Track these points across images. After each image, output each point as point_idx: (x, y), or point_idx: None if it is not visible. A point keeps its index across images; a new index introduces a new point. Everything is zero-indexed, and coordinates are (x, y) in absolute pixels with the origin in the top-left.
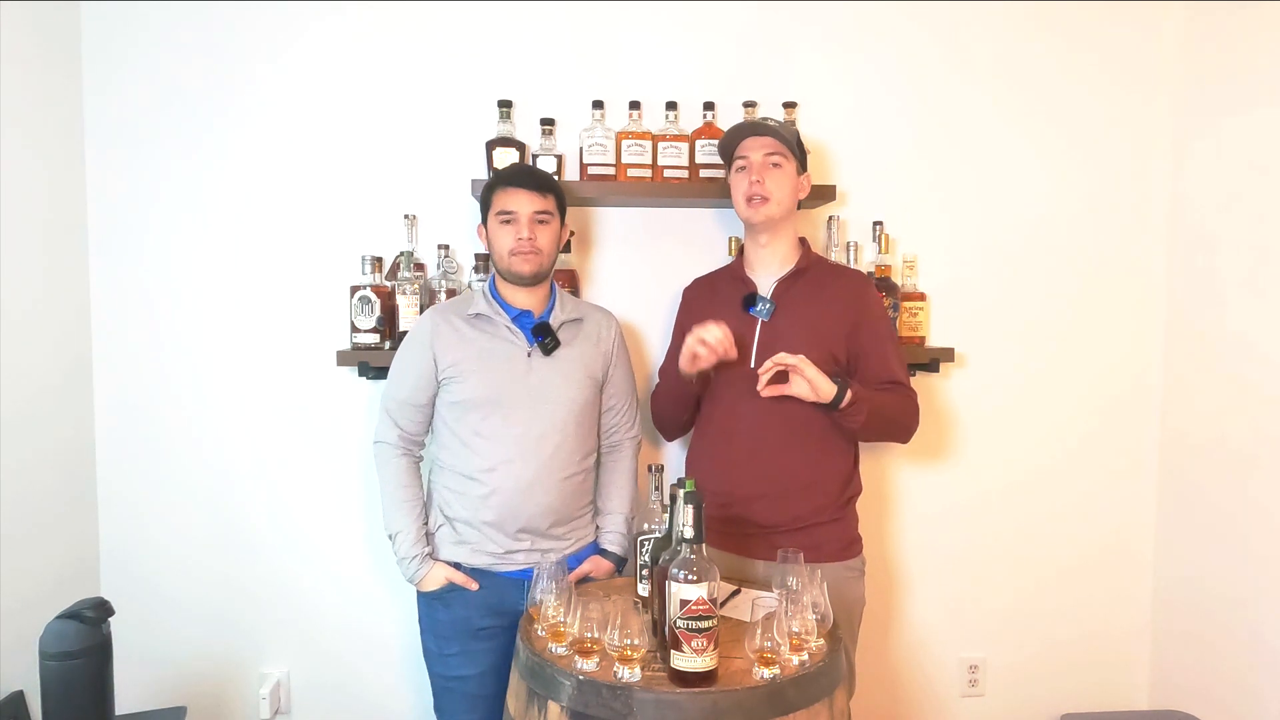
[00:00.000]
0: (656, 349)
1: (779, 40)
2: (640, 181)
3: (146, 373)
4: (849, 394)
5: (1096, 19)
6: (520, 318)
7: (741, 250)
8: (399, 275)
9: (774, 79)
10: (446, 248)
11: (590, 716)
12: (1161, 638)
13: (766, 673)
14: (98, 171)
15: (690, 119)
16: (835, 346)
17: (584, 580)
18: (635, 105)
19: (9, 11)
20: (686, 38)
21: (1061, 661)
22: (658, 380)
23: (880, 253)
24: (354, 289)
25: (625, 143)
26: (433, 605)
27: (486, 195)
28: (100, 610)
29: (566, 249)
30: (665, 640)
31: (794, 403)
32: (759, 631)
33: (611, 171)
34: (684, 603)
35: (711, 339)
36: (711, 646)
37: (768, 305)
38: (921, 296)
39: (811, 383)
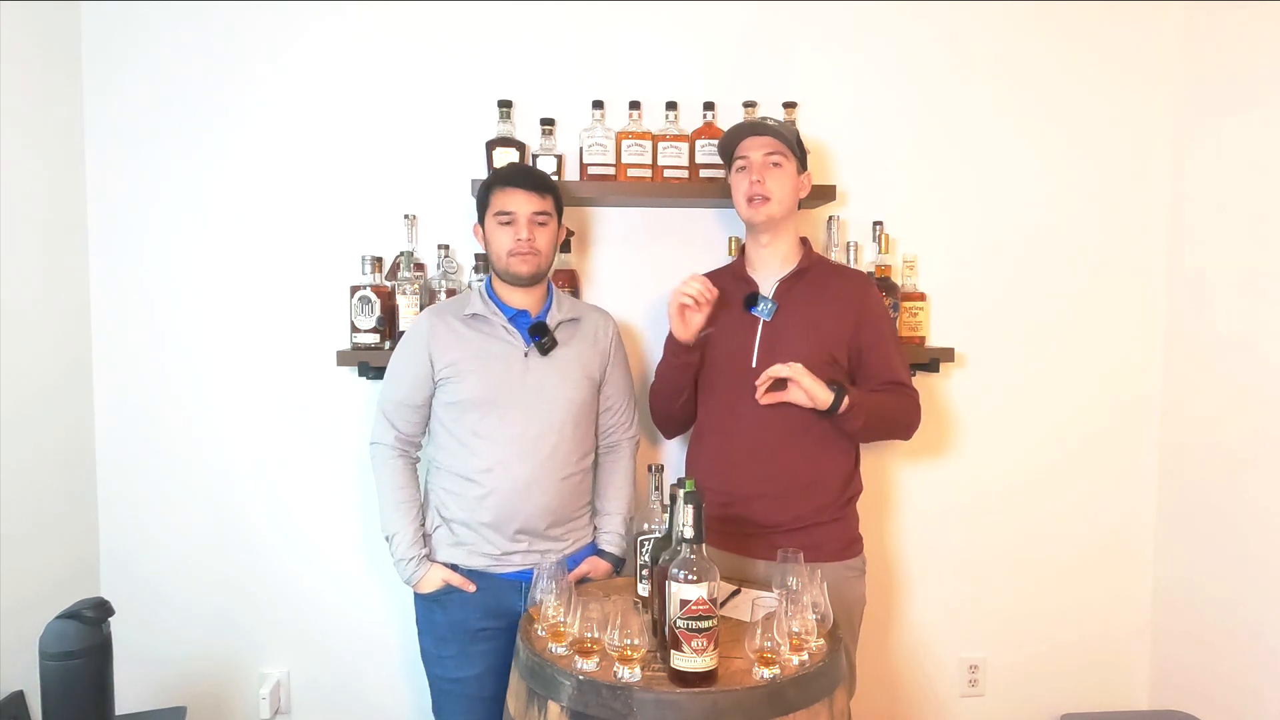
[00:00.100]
0: (656, 349)
1: (779, 40)
2: (640, 181)
3: (146, 373)
4: (845, 400)
5: (1096, 19)
6: (517, 317)
7: (743, 250)
8: (399, 275)
9: (774, 79)
10: (446, 248)
11: (590, 716)
12: (1161, 638)
13: (766, 673)
14: (98, 171)
15: (690, 119)
16: (836, 347)
17: (583, 581)
18: (635, 105)
19: (9, 11)
20: (686, 38)
21: (1061, 661)
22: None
23: (880, 253)
24: (354, 289)
25: (625, 143)
26: (430, 607)
27: (484, 195)
28: (100, 610)
29: (566, 249)
30: (665, 640)
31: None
32: (759, 631)
33: (611, 171)
34: (684, 603)
35: (694, 290)
36: (711, 646)
37: (770, 305)
38: (921, 296)
39: (808, 391)
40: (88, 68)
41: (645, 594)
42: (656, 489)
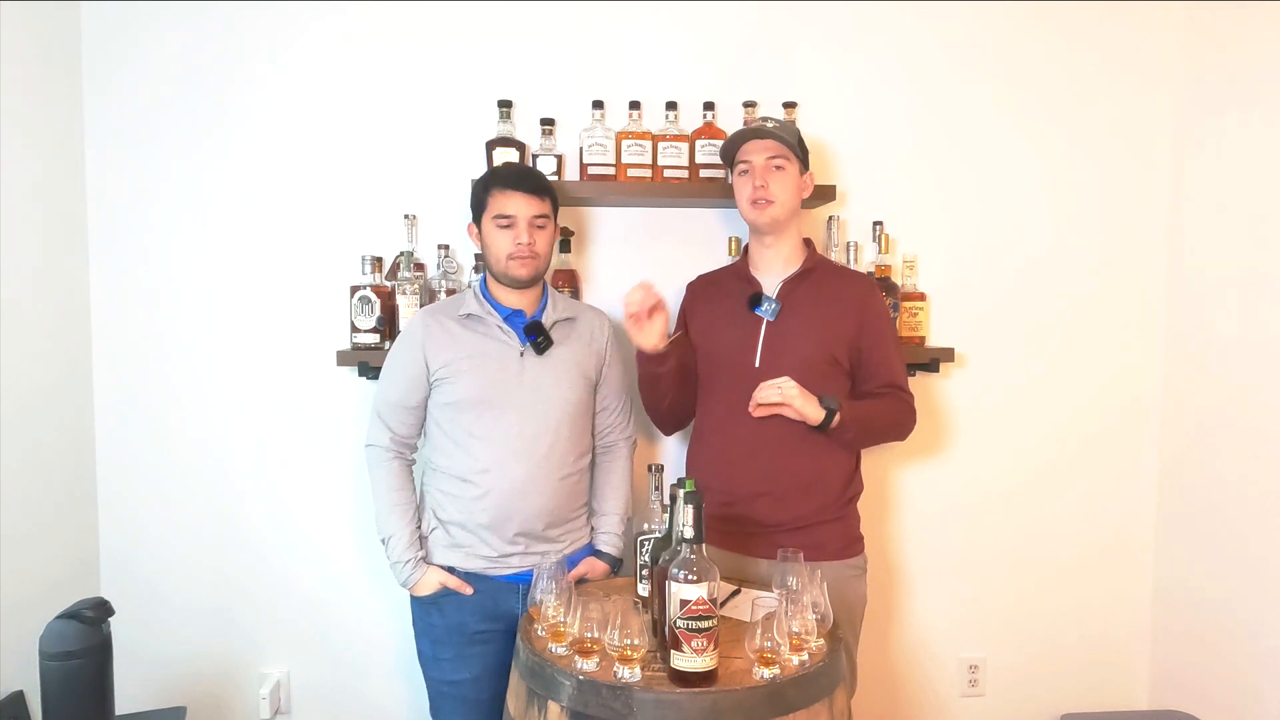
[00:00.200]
0: None
1: (779, 40)
2: (640, 181)
3: (147, 373)
4: (836, 418)
5: (1096, 19)
6: (512, 317)
7: (746, 250)
8: (399, 275)
9: (774, 79)
10: (446, 248)
11: (590, 716)
12: (1161, 638)
13: (766, 673)
14: (98, 171)
15: (690, 119)
16: (838, 348)
17: (581, 581)
18: (635, 105)
19: (9, 11)
20: (686, 38)
21: (1061, 661)
22: None
23: (880, 253)
24: (354, 289)
25: (625, 143)
26: (427, 610)
27: (481, 195)
28: (100, 610)
29: (566, 249)
30: (665, 640)
31: None
32: (759, 631)
33: (611, 171)
34: (684, 603)
35: (633, 303)
36: (711, 646)
37: (773, 305)
38: (921, 296)
39: (799, 412)
40: (88, 68)
41: (645, 594)
42: (656, 489)
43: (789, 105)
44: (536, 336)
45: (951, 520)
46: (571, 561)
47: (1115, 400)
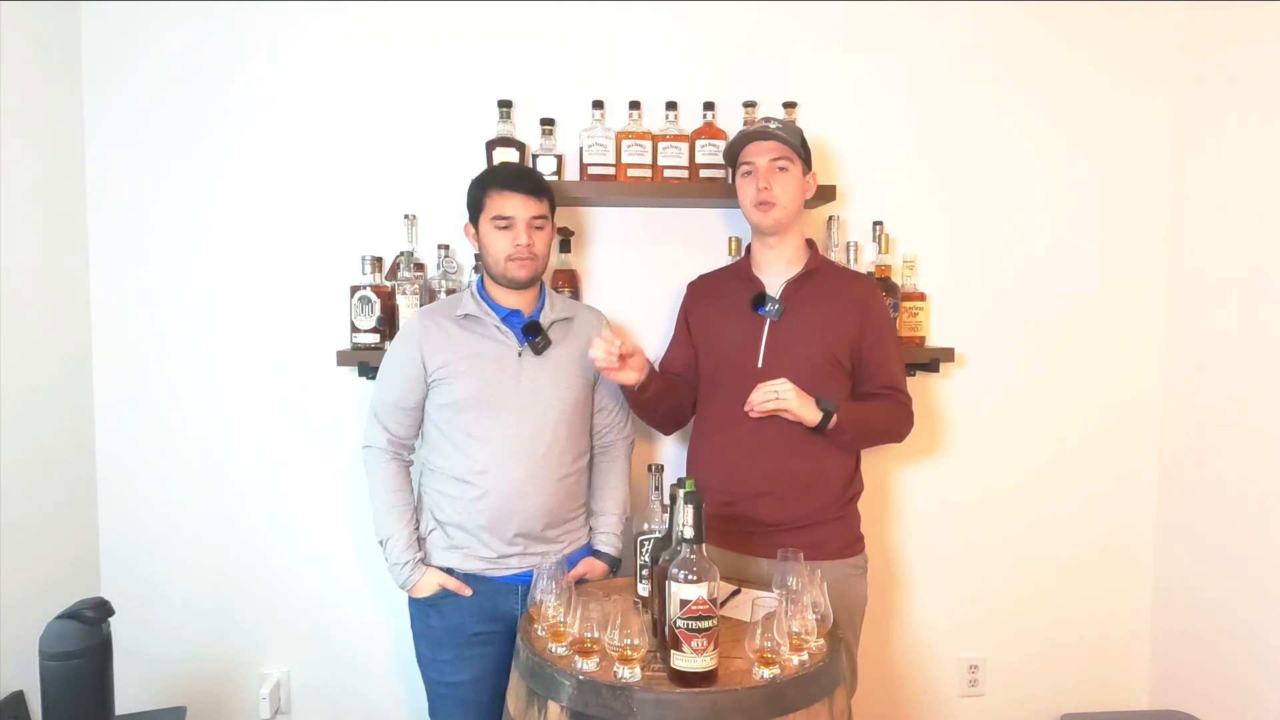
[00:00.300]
0: (656, 349)
1: (779, 40)
2: (640, 181)
3: (147, 373)
4: (834, 420)
5: (1096, 19)
6: (510, 317)
7: (748, 249)
8: (399, 275)
9: (774, 79)
10: (446, 248)
11: (590, 716)
12: (1161, 638)
13: (766, 673)
14: (98, 171)
15: (690, 119)
16: (840, 349)
17: (580, 581)
18: (635, 105)
19: (9, 11)
20: (686, 38)
21: (1061, 661)
22: None
23: (880, 253)
24: (354, 289)
25: (625, 143)
26: (426, 611)
27: (478, 196)
28: (100, 610)
29: (566, 249)
30: (665, 640)
31: None
32: (759, 631)
33: (611, 171)
34: (684, 603)
35: (599, 357)
36: (711, 646)
37: (777, 306)
38: (921, 296)
39: (796, 415)
40: (88, 68)
41: (645, 594)
42: (656, 489)
43: (789, 105)
44: (535, 336)
45: (951, 520)
46: (570, 562)
47: (1115, 400)
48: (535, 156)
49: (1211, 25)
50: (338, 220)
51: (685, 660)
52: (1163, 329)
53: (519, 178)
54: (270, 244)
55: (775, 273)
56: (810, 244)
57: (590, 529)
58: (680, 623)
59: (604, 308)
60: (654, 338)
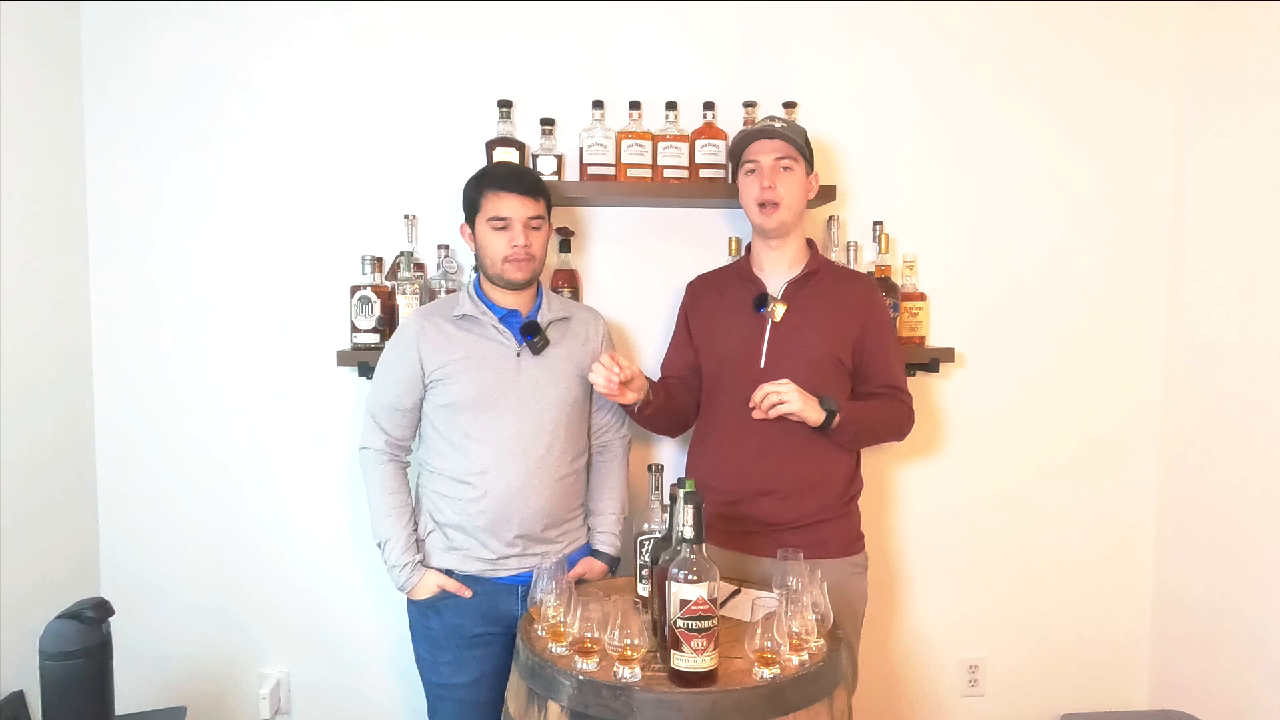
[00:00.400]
0: (657, 349)
1: (779, 40)
2: (640, 181)
3: (147, 374)
4: (836, 419)
5: (1096, 17)
6: (508, 317)
7: (748, 249)
8: (399, 275)
9: (774, 79)
10: (446, 248)
11: (590, 716)
12: (1161, 639)
13: (766, 673)
14: (98, 171)
15: (690, 119)
16: (841, 349)
17: (580, 581)
18: (635, 105)
19: (9, 12)
20: (686, 38)
21: (1061, 662)
22: (659, 377)
23: (880, 253)
24: (354, 289)
25: (625, 143)
26: (425, 613)
27: (474, 197)
28: (100, 610)
29: (566, 249)
30: (665, 640)
31: None
32: (759, 631)
33: (611, 171)
34: (684, 603)
35: (600, 384)
36: (711, 646)
37: (779, 306)
38: (921, 296)
39: (800, 415)
40: (88, 68)
41: (645, 594)
42: (656, 489)
43: (789, 105)
44: (533, 336)
45: (952, 520)
46: (569, 562)
47: (1115, 399)
48: (535, 156)
49: (1211, 25)
50: (338, 220)
51: (685, 660)
52: (1163, 329)
53: (515, 178)
54: (270, 244)
55: (776, 273)
56: (810, 244)
57: (589, 529)
58: (680, 623)
59: (604, 308)
60: (654, 338)
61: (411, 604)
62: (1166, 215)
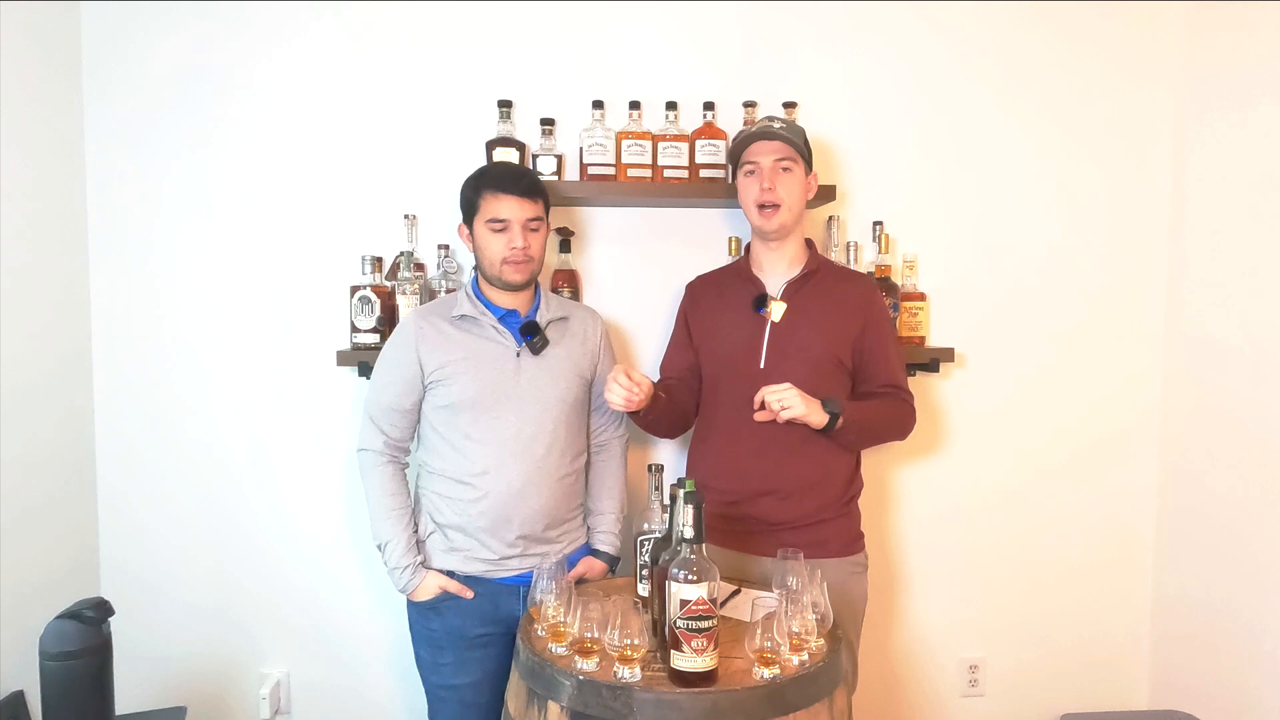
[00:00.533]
0: (656, 349)
1: (779, 40)
2: (640, 181)
3: (147, 374)
4: (839, 421)
5: (1096, 17)
6: (507, 318)
7: (748, 249)
8: (399, 275)
9: (774, 79)
10: (446, 248)
11: (590, 716)
12: (1161, 639)
13: (766, 673)
14: (98, 171)
15: (690, 119)
16: (841, 349)
17: (580, 581)
18: (635, 105)
19: (8, 12)
20: (686, 38)
21: (1061, 662)
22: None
23: (880, 253)
24: (354, 289)
25: (625, 143)
26: (426, 615)
27: (472, 198)
28: (100, 610)
29: (566, 249)
30: (665, 640)
31: None
32: (759, 631)
33: (611, 171)
34: (684, 603)
35: (618, 400)
36: (711, 646)
37: (779, 306)
38: (921, 296)
39: (804, 419)
40: (88, 68)
41: (645, 594)
42: (656, 489)
43: (789, 105)
44: (533, 336)
45: (952, 520)
46: (569, 561)
47: (1116, 399)
48: (535, 156)
49: (1211, 25)
50: (338, 220)
51: (685, 660)
52: (1163, 329)
53: (514, 179)
54: (270, 243)
55: (776, 273)
56: (810, 244)
57: (588, 528)
58: (680, 623)
59: (603, 308)
60: (654, 338)
61: (412, 605)
62: (1166, 215)
